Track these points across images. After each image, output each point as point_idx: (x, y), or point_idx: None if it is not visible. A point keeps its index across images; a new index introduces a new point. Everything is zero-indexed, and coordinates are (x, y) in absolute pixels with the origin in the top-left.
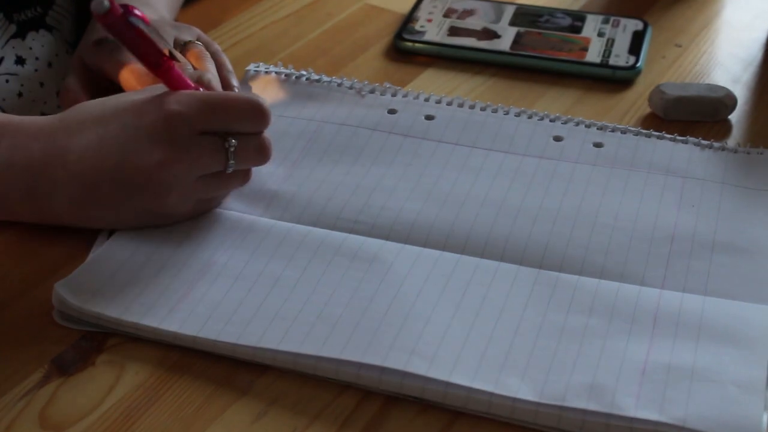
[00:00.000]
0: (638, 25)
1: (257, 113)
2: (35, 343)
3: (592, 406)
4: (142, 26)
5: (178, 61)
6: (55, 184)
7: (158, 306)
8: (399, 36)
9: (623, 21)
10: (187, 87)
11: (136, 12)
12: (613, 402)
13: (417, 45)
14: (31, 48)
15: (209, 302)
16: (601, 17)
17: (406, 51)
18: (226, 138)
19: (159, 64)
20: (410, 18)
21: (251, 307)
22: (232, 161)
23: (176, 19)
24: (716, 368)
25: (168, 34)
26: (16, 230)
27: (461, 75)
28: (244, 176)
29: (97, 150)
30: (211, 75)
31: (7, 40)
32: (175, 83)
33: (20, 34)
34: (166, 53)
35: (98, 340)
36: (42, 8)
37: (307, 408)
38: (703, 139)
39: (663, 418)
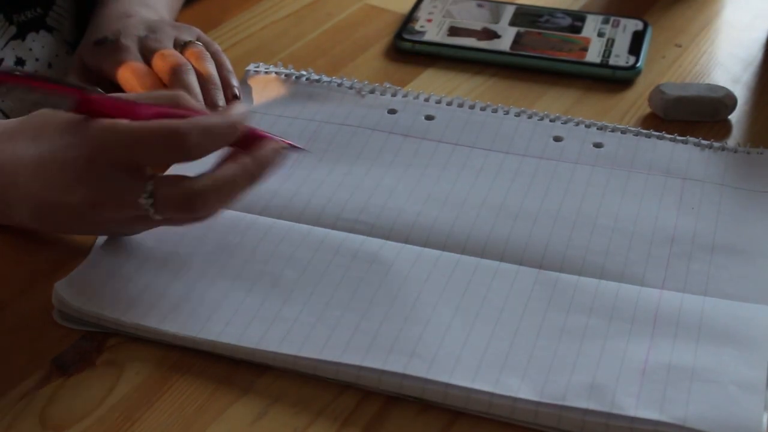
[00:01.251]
0: (638, 25)
1: (169, 145)
2: (35, 343)
3: (593, 406)
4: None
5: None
6: (9, 202)
7: (158, 306)
8: (399, 36)
9: (623, 21)
10: (117, 108)
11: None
12: (614, 402)
13: (417, 45)
14: (31, 49)
15: (209, 303)
16: (601, 17)
17: (406, 51)
18: (145, 181)
19: (76, 101)
20: (410, 18)
21: (251, 308)
22: (151, 210)
23: (176, 20)
24: (716, 368)
25: (168, 34)
26: (16, 230)
27: (461, 75)
28: (184, 222)
29: (37, 177)
30: (216, 79)
31: (7, 42)
32: (104, 111)
33: (20, 35)
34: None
35: (98, 340)
36: (42, 9)
37: (307, 408)
38: (703, 139)
39: (663, 418)
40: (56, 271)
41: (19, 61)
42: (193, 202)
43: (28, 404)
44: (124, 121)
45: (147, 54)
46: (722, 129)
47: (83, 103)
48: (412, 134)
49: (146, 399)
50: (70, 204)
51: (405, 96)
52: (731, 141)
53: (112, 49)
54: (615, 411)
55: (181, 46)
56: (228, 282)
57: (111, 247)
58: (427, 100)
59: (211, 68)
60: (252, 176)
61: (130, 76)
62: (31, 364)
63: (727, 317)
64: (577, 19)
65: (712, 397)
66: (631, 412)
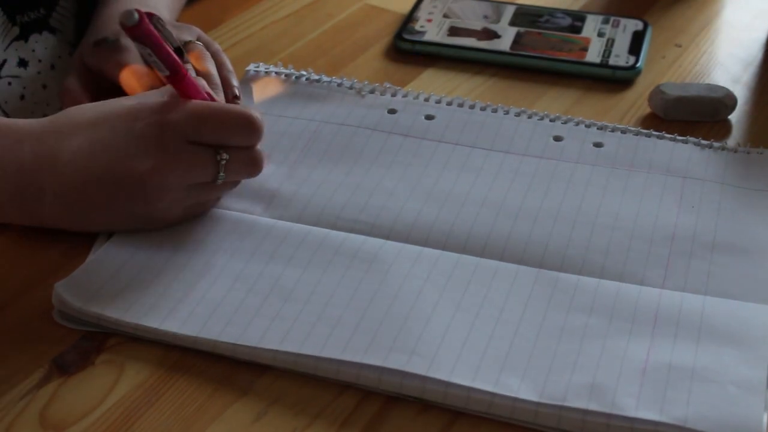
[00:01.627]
0: (638, 25)
1: (250, 127)
2: (35, 343)
3: (593, 406)
4: (162, 30)
5: (187, 62)
6: (44, 187)
7: (158, 306)
8: (399, 36)
9: (623, 21)
10: (199, 96)
11: (158, 20)
12: (614, 402)
13: (417, 45)
14: (33, 50)
15: (209, 302)
16: (601, 17)
17: (406, 51)
18: (218, 151)
19: (176, 71)
20: (410, 18)
21: (251, 308)
22: (222, 174)
23: (177, 20)
24: (716, 368)
25: None
26: (16, 230)
27: (461, 75)
28: (233, 183)
29: (88, 154)
30: (216, 79)
31: (10, 43)
32: (186, 93)
33: (23, 36)
34: (178, 53)
35: (98, 340)
36: (45, 10)
37: (307, 408)
38: (703, 139)
39: (663, 418)
40: (56, 271)
41: (22, 62)
42: (259, 163)
43: (28, 404)
44: (203, 102)
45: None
46: (722, 129)
47: (179, 78)
48: (412, 134)
49: (146, 399)
50: (136, 171)
51: (405, 96)
52: (731, 141)
53: (112, 49)
54: (615, 411)
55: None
56: (228, 282)
57: (111, 248)
58: (427, 100)
59: (211, 68)
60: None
61: (130, 76)
62: (31, 364)
63: (727, 317)
64: (577, 19)
65: (713, 397)
66: (632, 413)
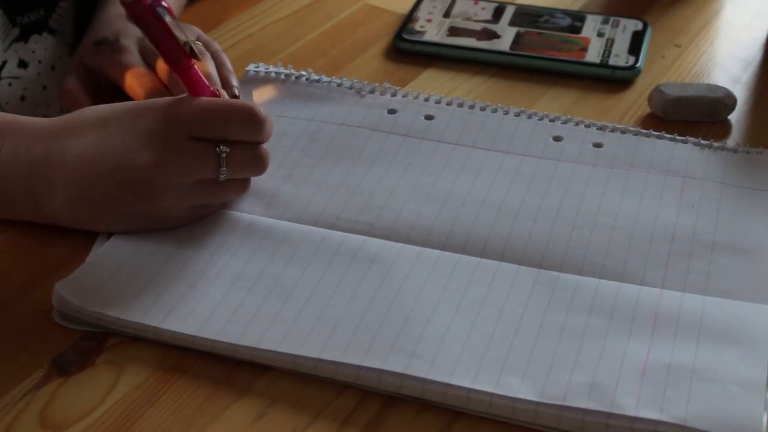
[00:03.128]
0: (638, 25)
1: (254, 122)
2: (35, 343)
3: (593, 406)
4: (168, 19)
5: (198, 58)
6: (53, 183)
7: (158, 306)
8: (399, 36)
9: (623, 21)
10: (204, 88)
11: (164, 3)
12: (614, 401)
13: (417, 45)
14: (34, 51)
15: (209, 302)
16: (600, 17)
17: (406, 51)
18: (218, 145)
19: (179, 60)
20: (410, 18)
21: (251, 308)
22: (224, 168)
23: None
24: (716, 368)
25: None
26: (16, 230)
27: (461, 75)
28: (241, 186)
29: (95, 150)
30: (216, 79)
31: (10, 44)
32: (191, 83)
33: (23, 37)
34: (187, 51)
35: (98, 340)
36: (45, 11)
37: (307, 408)
38: (703, 139)
39: (663, 418)
40: (56, 271)
41: (22, 63)
42: (263, 160)
43: (28, 404)
44: (209, 98)
45: (147, 54)
46: (722, 129)
47: (185, 68)
48: (412, 134)
49: (146, 399)
50: (139, 166)
51: (405, 96)
52: (731, 141)
53: (112, 49)
54: (615, 411)
55: None
56: (228, 282)
57: (111, 248)
58: (427, 100)
59: (210, 68)
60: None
61: (132, 79)
62: (31, 364)
63: (727, 316)
64: (577, 19)
65: (712, 397)
66: (632, 412)
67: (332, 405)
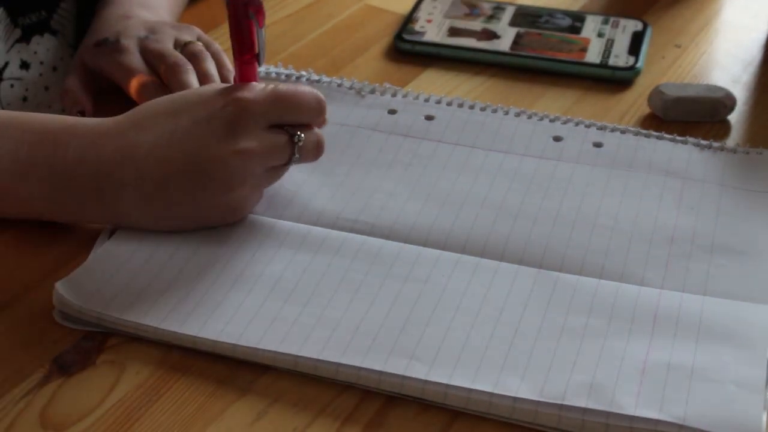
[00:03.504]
0: (638, 25)
1: (321, 106)
2: (36, 343)
3: (592, 406)
4: (255, 21)
5: (260, 63)
6: (124, 182)
7: (159, 306)
8: (399, 36)
9: (623, 21)
10: (255, 80)
11: (260, 8)
12: (613, 401)
13: (417, 45)
14: (35, 52)
15: (209, 302)
16: (600, 18)
17: (406, 51)
18: (295, 132)
19: (244, 53)
20: (410, 18)
21: (251, 308)
22: (297, 155)
23: (177, 20)
24: (716, 367)
25: (168, 35)
26: (16, 230)
27: (461, 75)
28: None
29: (169, 143)
30: (216, 79)
31: (12, 45)
32: (247, 77)
33: (25, 38)
34: (256, 51)
35: (99, 340)
36: (47, 12)
37: (307, 408)
38: (703, 139)
39: (663, 417)
40: (56, 271)
41: (24, 65)
42: (323, 143)
43: (28, 404)
44: (273, 86)
45: (147, 55)
46: (721, 129)
47: (249, 62)
48: (412, 134)
49: (146, 399)
50: (220, 156)
51: (405, 96)
52: (730, 141)
53: (113, 50)
54: (615, 410)
55: (181, 46)
56: (229, 282)
57: (112, 248)
58: (427, 100)
59: (211, 68)
60: None
61: (130, 77)
62: (32, 364)
63: (726, 317)
64: (577, 19)
65: (712, 396)
66: (631, 412)
67: (332, 405)
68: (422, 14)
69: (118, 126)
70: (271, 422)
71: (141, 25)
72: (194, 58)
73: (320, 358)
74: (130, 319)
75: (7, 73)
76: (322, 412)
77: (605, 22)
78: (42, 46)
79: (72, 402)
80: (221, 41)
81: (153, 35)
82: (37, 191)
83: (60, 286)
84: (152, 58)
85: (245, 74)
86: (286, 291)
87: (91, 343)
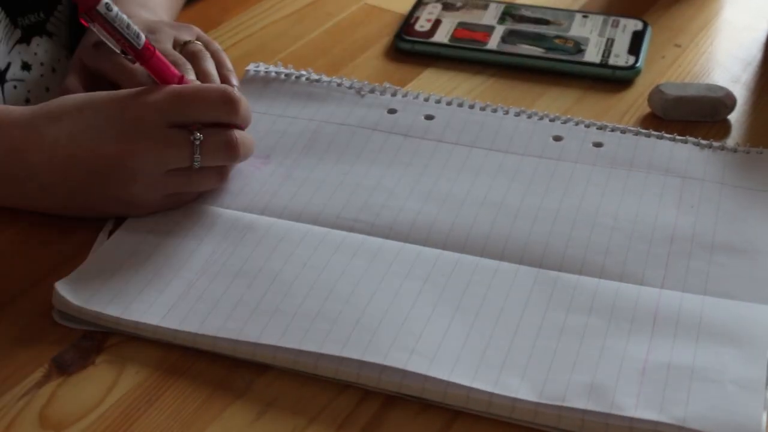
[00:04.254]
0: (638, 25)
1: (227, 102)
2: (35, 343)
3: (592, 406)
4: (112, 13)
5: (150, 46)
6: (30, 169)
7: (158, 304)
8: (399, 36)
9: (623, 21)
10: (171, 75)
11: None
12: (613, 402)
13: (417, 45)
14: (36, 53)
15: (209, 299)
16: (600, 17)
17: (406, 51)
18: (192, 132)
19: (135, 52)
20: (410, 18)
21: (251, 304)
22: (197, 156)
23: (177, 20)
24: (716, 368)
25: (167, 34)
26: (16, 230)
27: (461, 75)
28: (217, 175)
29: (70, 137)
30: (216, 78)
31: (13, 45)
32: (157, 72)
33: (25, 39)
34: (137, 40)
35: (98, 340)
36: (44, 14)
37: (306, 408)
38: (703, 139)
39: (663, 418)
40: (56, 271)
41: (25, 66)
42: (235, 145)
43: (28, 404)
44: (179, 85)
45: None
46: (722, 129)
47: (147, 53)
48: (412, 134)
49: (146, 399)
50: (112, 154)
51: (405, 96)
52: (731, 141)
53: (111, 50)
54: (614, 411)
55: (180, 45)
56: (228, 280)
57: (111, 247)
58: (426, 100)
59: (210, 67)
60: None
61: (128, 77)
62: (31, 364)
63: (726, 316)
64: (577, 19)
65: (712, 397)
66: (631, 413)
67: (332, 405)
68: (422, 14)
69: (31, 115)
70: (270, 422)
71: (140, 25)
72: (193, 58)
73: (321, 351)
74: (129, 318)
75: (9, 74)
76: (322, 412)
77: (605, 21)
78: (41, 48)
79: (71, 401)
80: (221, 41)
81: (152, 35)
82: None
83: (59, 286)
84: None
85: (154, 71)
86: (285, 285)
87: (90, 342)
